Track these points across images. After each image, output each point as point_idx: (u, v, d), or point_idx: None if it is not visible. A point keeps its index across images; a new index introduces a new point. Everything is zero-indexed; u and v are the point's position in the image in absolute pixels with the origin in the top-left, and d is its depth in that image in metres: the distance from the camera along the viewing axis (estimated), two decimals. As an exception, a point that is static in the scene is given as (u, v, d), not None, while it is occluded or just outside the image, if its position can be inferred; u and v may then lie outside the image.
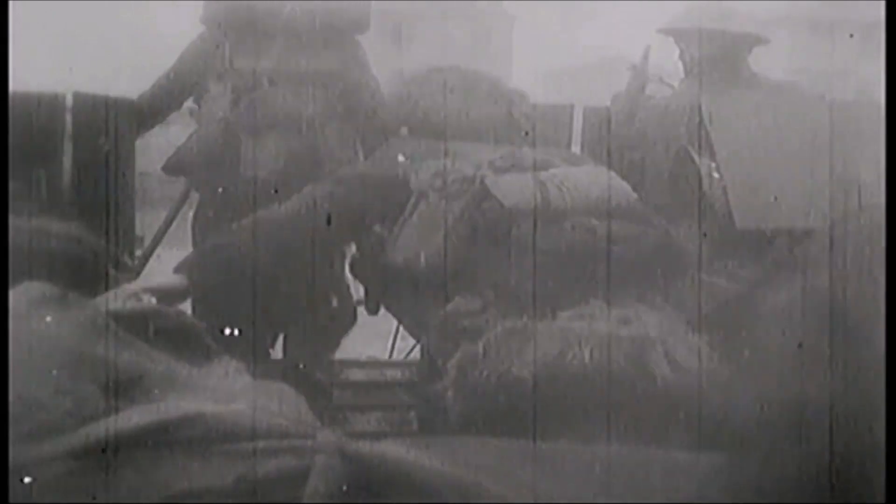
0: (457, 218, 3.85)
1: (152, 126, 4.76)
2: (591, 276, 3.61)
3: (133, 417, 3.05)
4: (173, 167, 4.74)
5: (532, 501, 3.04)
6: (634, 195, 3.90)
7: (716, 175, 4.03)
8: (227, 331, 3.72)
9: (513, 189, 3.83)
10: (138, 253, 4.57)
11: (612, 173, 3.95)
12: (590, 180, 3.89)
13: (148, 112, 4.69)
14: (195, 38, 4.77)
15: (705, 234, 3.85)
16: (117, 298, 3.48)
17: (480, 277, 3.78)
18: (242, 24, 4.66)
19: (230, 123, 4.64)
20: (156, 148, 4.92)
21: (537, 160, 3.97)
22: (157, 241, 4.90)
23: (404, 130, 4.45)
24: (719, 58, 4.68)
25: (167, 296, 3.69)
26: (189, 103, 4.83)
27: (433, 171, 3.98)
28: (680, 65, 4.83)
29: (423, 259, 3.86)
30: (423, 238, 3.91)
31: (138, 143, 4.55)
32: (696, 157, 4.09)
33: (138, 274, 4.28)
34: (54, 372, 3.09)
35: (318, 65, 4.65)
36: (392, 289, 4.14)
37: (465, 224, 3.83)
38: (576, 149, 4.67)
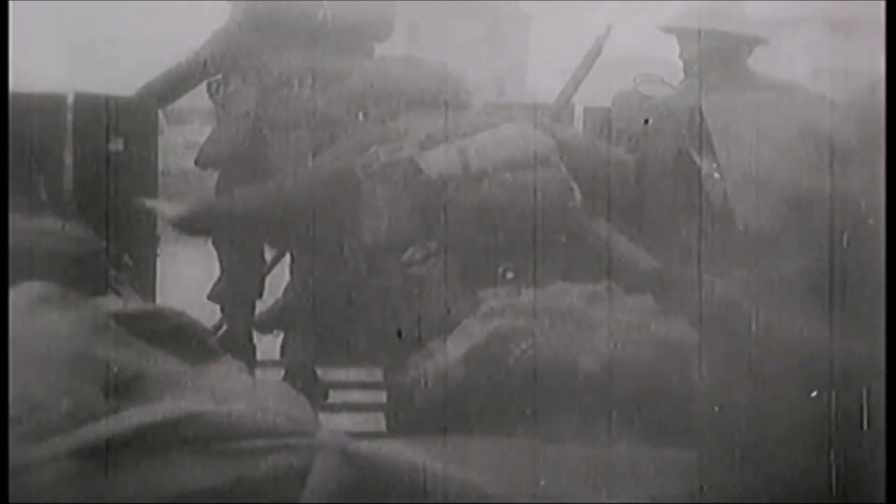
0: (393, 197, 4.40)
1: (173, 101, 4.82)
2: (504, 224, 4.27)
3: (133, 417, 3.06)
4: (205, 161, 4.84)
5: (532, 501, 3.04)
6: (555, 146, 4.42)
7: (716, 175, 4.05)
8: None
9: (438, 161, 4.41)
10: (158, 251, 4.59)
11: (535, 129, 4.50)
12: (512, 138, 4.45)
13: (168, 89, 4.74)
14: (222, 27, 4.82)
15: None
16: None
17: (424, 240, 4.37)
18: (274, 21, 4.72)
19: (258, 119, 4.72)
20: (175, 147, 4.94)
21: (469, 126, 4.50)
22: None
23: (361, 116, 4.74)
24: (719, 57, 4.66)
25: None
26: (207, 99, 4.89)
27: (364, 162, 4.48)
28: (680, 64, 4.81)
29: (383, 236, 4.41)
30: (376, 219, 4.45)
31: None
32: (696, 157, 4.11)
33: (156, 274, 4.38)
34: (54, 372, 3.10)
35: (341, 67, 4.73)
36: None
37: (402, 200, 4.40)
38: None
